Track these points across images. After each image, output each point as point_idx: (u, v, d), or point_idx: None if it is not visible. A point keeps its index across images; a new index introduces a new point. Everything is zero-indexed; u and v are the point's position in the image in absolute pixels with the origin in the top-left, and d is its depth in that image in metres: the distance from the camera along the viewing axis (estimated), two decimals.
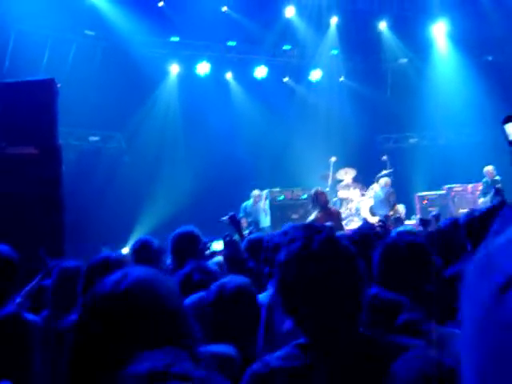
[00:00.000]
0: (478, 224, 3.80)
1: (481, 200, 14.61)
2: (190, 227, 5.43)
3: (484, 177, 14.57)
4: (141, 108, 15.24)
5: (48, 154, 7.54)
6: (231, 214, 7.09)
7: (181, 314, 1.57)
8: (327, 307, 1.93)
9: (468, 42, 17.01)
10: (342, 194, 14.87)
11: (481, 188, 14.77)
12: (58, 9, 12.90)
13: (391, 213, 13.21)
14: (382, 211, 13.31)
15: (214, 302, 2.85)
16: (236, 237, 6.28)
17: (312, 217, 10.56)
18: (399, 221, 11.92)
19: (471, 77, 17.20)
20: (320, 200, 10.55)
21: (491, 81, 16.59)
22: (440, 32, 17.71)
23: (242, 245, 5.60)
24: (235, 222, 7.05)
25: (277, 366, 1.94)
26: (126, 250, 12.35)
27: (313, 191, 10.87)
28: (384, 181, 14.10)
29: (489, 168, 14.50)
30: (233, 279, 3.02)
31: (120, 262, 3.21)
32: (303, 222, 6.89)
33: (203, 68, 16.15)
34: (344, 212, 14.33)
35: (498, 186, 13.85)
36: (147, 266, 1.68)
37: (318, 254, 1.97)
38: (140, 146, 14.90)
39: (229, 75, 17.17)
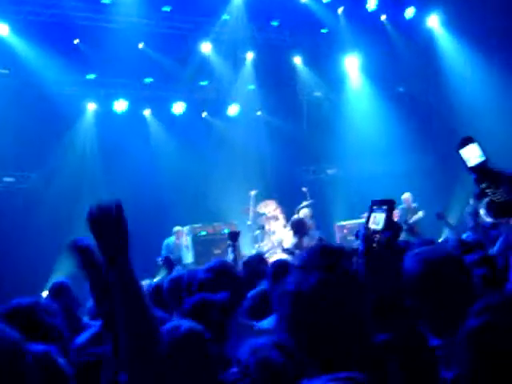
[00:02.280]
0: None
1: None
2: None
3: (400, 204, 14.99)
4: (57, 147, 14.93)
5: None
6: (165, 255, 7.30)
7: None
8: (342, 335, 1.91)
9: (379, 73, 17.57)
10: (270, 226, 14.94)
11: (398, 215, 15.18)
12: None
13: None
14: None
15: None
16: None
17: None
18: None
19: (384, 108, 17.79)
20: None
21: (403, 111, 17.19)
22: (353, 65, 18.25)
23: (164, 286, 5.56)
24: (169, 264, 7.17)
25: None
26: (45, 294, 12.02)
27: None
28: (303, 213, 14.27)
29: (406, 195, 14.95)
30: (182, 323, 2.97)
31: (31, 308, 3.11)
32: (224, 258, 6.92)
33: (120, 105, 16.01)
34: (267, 244, 14.41)
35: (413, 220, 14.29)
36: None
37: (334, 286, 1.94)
38: (58, 185, 14.57)
39: (147, 112, 17.09)
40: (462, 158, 3.56)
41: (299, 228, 12.97)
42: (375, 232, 2.44)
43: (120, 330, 2.18)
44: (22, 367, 1.68)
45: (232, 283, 4.36)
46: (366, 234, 2.44)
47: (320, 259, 1.98)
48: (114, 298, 2.20)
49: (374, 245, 2.39)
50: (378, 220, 2.49)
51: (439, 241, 8.76)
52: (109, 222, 2.21)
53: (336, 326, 1.90)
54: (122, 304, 2.17)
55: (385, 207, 2.52)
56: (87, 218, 2.27)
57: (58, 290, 5.90)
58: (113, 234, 2.20)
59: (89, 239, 2.61)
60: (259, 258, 6.70)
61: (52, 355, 2.55)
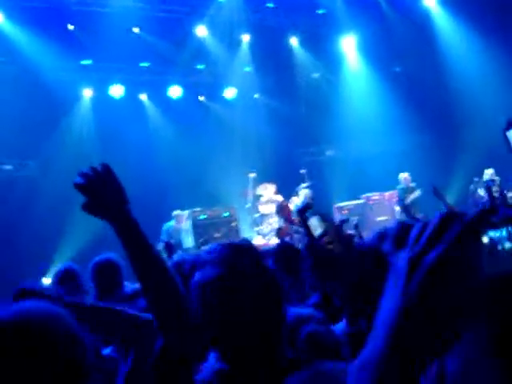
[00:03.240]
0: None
1: (397, 208, 15.04)
2: (109, 254, 5.35)
3: (399, 184, 15.01)
4: (55, 134, 14.91)
5: None
6: (166, 240, 7.35)
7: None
8: (246, 332, 1.91)
9: (377, 54, 17.51)
10: (263, 209, 14.96)
11: (397, 195, 15.23)
12: None
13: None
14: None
15: None
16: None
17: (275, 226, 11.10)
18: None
19: (381, 88, 17.75)
20: (284, 212, 10.97)
21: (400, 91, 17.15)
22: (350, 46, 18.19)
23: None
24: (170, 249, 7.23)
25: None
26: (46, 281, 12.07)
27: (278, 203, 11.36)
28: (304, 193, 14.29)
29: (404, 175, 14.96)
30: None
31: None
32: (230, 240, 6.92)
33: (117, 90, 15.98)
34: (266, 227, 14.44)
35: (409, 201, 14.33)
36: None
37: (238, 275, 1.94)
38: (55, 172, 14.54)
39: (143, 96, 17.06)
40: (507, 138, 3.57)
41: (280, 212, 13.09)
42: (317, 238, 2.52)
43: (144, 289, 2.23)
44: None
45: None
46: (310, 244, 2.51)
47: (226, 254, 2.01)
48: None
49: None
50: (314, 227, 2.57)
51: None
52: (98, 183, 2.25)
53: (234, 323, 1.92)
54: (134, 259, 2.21)
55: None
56: (75, 186, 2.30)
57: (65, 276, 5.85)
58: (106, 193, 2.23)
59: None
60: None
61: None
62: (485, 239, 1.03)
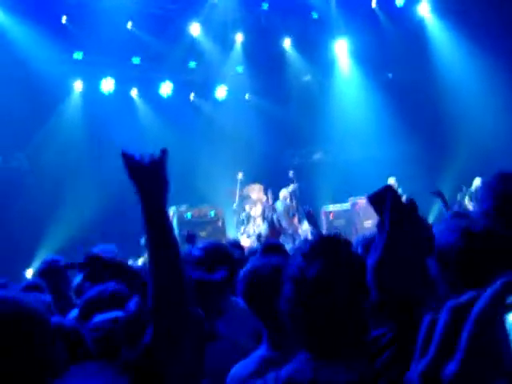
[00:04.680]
0: None
1: None
2: (110, 246, 5.45)
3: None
4: (44, 127, 14.83)
5: None
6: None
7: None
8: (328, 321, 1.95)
9: (369, 59, 17.56)
10: (249, 210, 14.96)
11: None
12: None
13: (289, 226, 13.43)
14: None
15: None
16: None
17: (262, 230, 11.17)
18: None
19: (372, 93, 17.81)
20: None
21: (391, 98, 17.22)
22: (342, 50, 18.22)
23: None
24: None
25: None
26: (29, 272, 12.03)
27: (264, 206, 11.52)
28: (282, 194, 14.29)
29: (391, 180, 15.01)
30: None
31: None
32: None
33: (108, 85, 15.91)
34: (252, 228, 14.44)
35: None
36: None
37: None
38: (44, 165, 14.49)
39: (134, 92, 17.00)
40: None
41: (265, 215, 13.18)
42: None
43: (158, 285, 2.24)
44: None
45: (226, 262, 4.39)
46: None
47: (323, 246, 2.04)
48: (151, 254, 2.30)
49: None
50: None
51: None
52: (153, 171, 2.44)
53: (337, 313, 1.95)
54: (161, 260, 2.28)
55: None
56: (127, 164, 2.40)
57: (48, 269, 5.83)
58: (156, 186, 2.45)
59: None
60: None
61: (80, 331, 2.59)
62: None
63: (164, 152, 2.31)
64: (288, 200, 14.17)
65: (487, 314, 0.80)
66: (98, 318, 2.80)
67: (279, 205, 14.12)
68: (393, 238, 2.06)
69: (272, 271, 2.92)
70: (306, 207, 8.65)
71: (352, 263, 2.03)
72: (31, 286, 4.91)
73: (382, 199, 2.02)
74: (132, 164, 2.23)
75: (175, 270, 2.24)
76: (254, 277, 2.99)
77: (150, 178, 2.35)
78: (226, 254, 4.56)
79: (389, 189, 2.14)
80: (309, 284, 1.97)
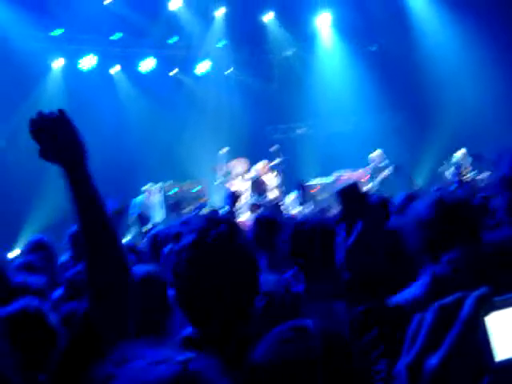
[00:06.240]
0: None
1: (369, 185, 15.12)
2: None
3: (371, 162, 15.09)
4: (23, 104, 14.64)
5: None
6: (139, 212, 7.55)
7: None
8: (216, 300, 1.95)
9: (352, 32, 17.49)
10: (234, 185, 14.92)
11: (368, 173, 15.31)
12: None
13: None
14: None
15: None
16: None
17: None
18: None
19: (356, 66, 17.76)
20: (258, 188, 11.20)
21: (375, 70, 17.18)
22: (324, 23, 18.13)
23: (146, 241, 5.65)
24: (143, 220, 7.39)
25: None
26: (15, 252, 11.95)
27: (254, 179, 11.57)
28: (257, 167, 14.31)
29: (377, 152, 15.04)
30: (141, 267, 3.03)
31: None
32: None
33: (88, 62, 15.73)
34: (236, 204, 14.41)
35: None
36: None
37: (211, 247, 1.99)
38: (24, 145, 14.31)
39: (115, 69, 16.83)
40: None
41: (254, 187, 13.20)
42: None
43: (86, 250, 2.12)
44: None
45: None
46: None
47: (201, 223, 2.09)
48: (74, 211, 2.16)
49: None
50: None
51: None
52: (54, 127, 2.19)
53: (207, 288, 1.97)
54: (81, 216, 2.13)
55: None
56: (29, 128, 2.21)
57: (35, 246, 5.84)
58: (62, 141, 2.19)
59: None
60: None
61: (43, 312, 2.55)
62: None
63: (61, 111, 2.20)
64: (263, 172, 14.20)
65: (474, 316, 0.86)
66: None
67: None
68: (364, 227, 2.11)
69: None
70: (300, 179, 8.82)
71: (222, 244, 2.03)
72: (24, 266, 4.92)
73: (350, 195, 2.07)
74: (33, 124, 2.15)
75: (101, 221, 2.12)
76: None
77: (52, 135, 2.15)
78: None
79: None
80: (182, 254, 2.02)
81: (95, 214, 2.11)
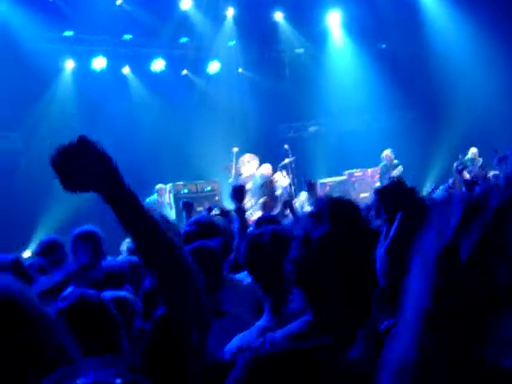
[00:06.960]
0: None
1: (378, 184, 15.10)
2: (89, 226, 5.42)
3: (382, 161, 15.08)
4: (36, 106, 14.72)
5: None
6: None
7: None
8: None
9: (362, 30, 17.46)
10: (245, 184, 14.92)
11: (379, 172, 15.30)
12: None
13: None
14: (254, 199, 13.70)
15: None
16: None
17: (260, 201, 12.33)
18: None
19: (366, 65, 17.73)
20: (268, 187, 11.59)
21: (385, 68, 17.14)
22: (335, 21, 18.12)
23: None
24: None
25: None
26: (27, 254, 12.01)
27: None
28: (263, 170, 14.29)
29: (387, 152, 15.02)
30: None
31: None
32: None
33: (99, 63, 15.77)
34: (247, 202, 14.42)
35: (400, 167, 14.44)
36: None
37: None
38: (37, 145, 14.37)
39: (126, 69, 16.87)
40: None
41: (264, 187, 13.32)
42: None
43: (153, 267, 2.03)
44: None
45: (219, 235, 4.42)
46: None
47: (330, 208, 2.04)
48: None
49: None
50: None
51: None
52: (75, 157, 2.05)
53: (342, 278, 1.95)
54: (131, 233, 2.02)
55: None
56: (51, 165, 2.07)
57: (48, 247, 5.85)
58: (86, 168, 2.04)
59: None
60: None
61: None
62: None
63: (81, 137, 2.04)
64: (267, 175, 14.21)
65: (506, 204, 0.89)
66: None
67: (259, 178, 14.15)
68: (401, 231, 2.06)
69: (272, 236, 2.98)
70: (307, 178, 8.75)
71: (358, 226, 2.04)
72: (36, 267, 4.95)
73: (392, 195, 2.00)
74: (53, 161, 2.05)
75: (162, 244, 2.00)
76: (255, 243, 3.03)
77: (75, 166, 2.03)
78: (218, 226, 4.60)
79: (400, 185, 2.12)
80: (314, 245, 1.98)
81: (151, 240, 1.99)
